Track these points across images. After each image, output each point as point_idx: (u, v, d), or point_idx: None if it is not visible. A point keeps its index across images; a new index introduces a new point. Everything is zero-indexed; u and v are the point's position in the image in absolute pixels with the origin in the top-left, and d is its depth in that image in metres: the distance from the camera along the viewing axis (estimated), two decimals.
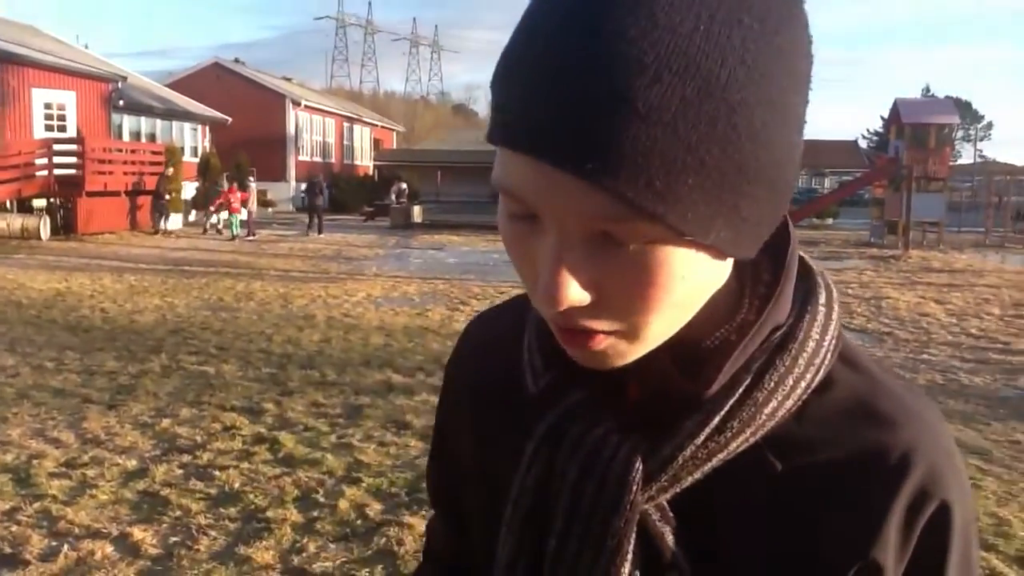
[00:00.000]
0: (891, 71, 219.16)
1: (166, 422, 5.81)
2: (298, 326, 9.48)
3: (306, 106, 38.89)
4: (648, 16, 0.46)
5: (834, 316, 0.63)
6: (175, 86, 34.28)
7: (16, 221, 19.01)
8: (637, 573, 0.59)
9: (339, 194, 36.57)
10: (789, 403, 0.60)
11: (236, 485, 4.70)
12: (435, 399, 0.95)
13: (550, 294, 0.52)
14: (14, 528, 4.11)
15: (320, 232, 23.12)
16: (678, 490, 0.60)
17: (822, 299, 0.63)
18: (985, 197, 28.70)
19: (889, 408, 0.61)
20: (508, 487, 0.66)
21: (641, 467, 0.58)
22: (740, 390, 0.58)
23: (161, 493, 4.58)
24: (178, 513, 4.33)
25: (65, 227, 19.98)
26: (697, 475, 0.59)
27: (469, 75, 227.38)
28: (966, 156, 75.19)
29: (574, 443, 0.61)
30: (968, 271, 16.56)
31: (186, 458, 5.14)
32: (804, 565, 0.59)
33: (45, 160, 19.80)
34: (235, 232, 21.58)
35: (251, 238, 21.31)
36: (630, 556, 0.59)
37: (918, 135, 23.50)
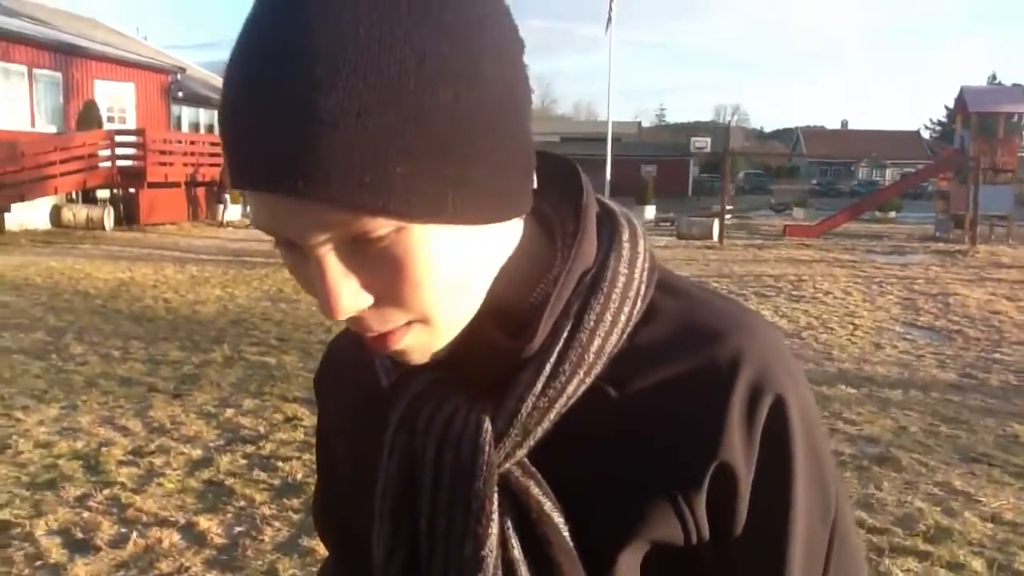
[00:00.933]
0: (955, 57, 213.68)
1: (229, 412, 5.88)
2: None
3: None
4: (321, 26, 0.49)
5: (640, 250, 0.66)
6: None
7: (82, 212, 19.51)
8: (511, 531, 0.61)
9: None
10: (614, 338, 0.62)
11: (299, 476, 4.73)
12: None
13: (328, 307, 0.55)
14: (85, 515, 4.19)
15: None
16: (532, 443, 0.62)
17: (625, 236, 0.66)
18: None
19: (711, 321, 0.64)
20: (360, 487, 0.71)
21: (490, 428, 0.61)
22: (564, 335, 0.61)
23: (226, 483, 4.63)
24: (242, 503, 4.37)
25: (127, 218, 20.45)
26: (546, 424, 0.61)
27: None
28: None
29: (427, 422, 0.63)
30: None
31: (249, 448, 5.19)
32: (663, 482, 0.61)
33: (108, 151, 20.26)
34: None
35: None
36: (495, 516, 0.60)
37: (985, 124, 22.84)
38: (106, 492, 4.46)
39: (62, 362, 7.16)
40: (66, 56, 22.03)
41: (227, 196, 22.53)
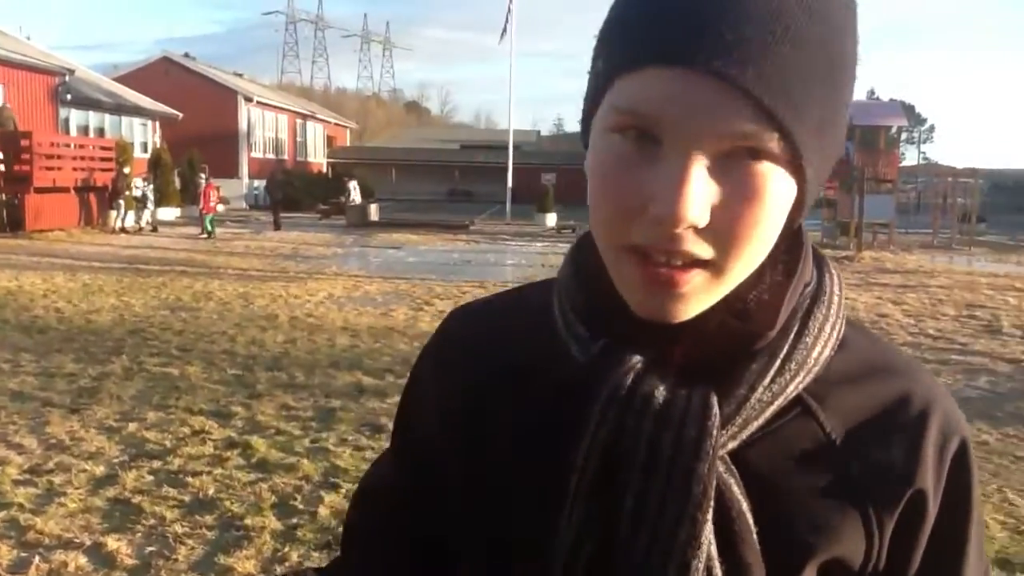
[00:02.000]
0: None
1: (132, 426, 5.66)
2: (261, 326, 9.32)
3: (258, 102, 38.30)
4: None
5: (841, 281, 0.70)
6: (122, 80, 33.40)
7: None
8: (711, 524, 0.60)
9: (293, 192, 36.17)
10: (828, 351, 0.65)
11: (211, 492, 4.59)
12: None
13: (675, 210, 0.55)
14: None
15: (277, 229, 22.82)
16: (744, 437, 0.62)
17: (832, 266, 0.70)
18: (931, 198, 29.36)
19: (900, 362, 0.69)
20: (531, 463, 0.65)
21: (718, 411, 0.60)
22: (792, 334, 0.63)
23: (133, 501, 4.45)
24: (152, 521, 4.21)
25: (12, 224, 19.39)
26: (761, 420, 0.62)
27: (422, 73, 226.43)
28: (910, 158, 76.97)
29: (644, 399, 0.61)
30: (920, 272, 16.90)
31: (156, 464, 5.01)
32: (860, 498, 0.63)
33: None
34: (210, 230, 21.07)
35: (204, 236, 20.91)
36: (712, 503, 0.59)
37: (867, 137, 23.95)
38: (2, 514, 4.23)
39: None
40: None
41: (121, 202, 21.63)
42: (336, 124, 51.52)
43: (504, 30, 30.81)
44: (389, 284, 13.13)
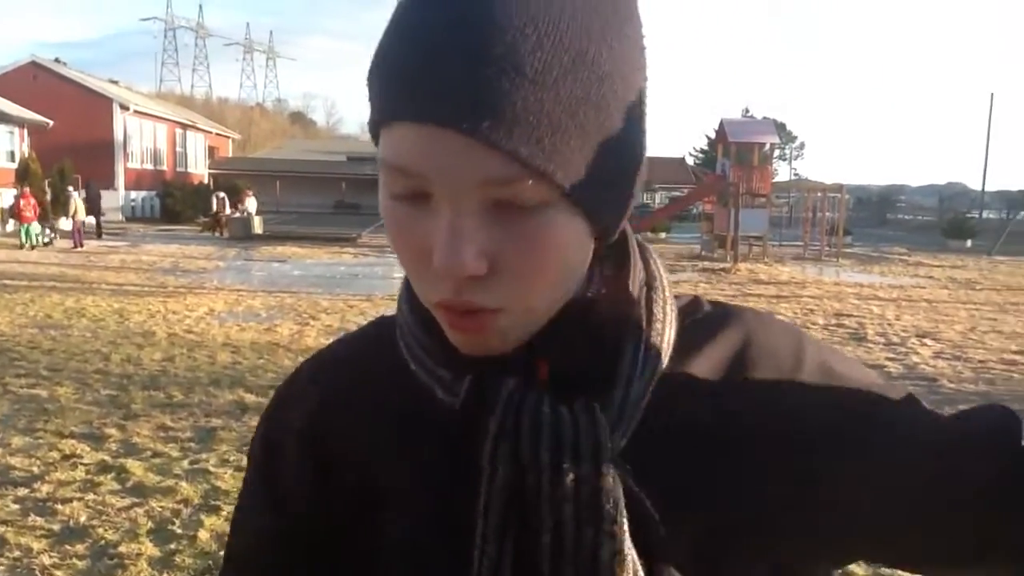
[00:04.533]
0: (713, 91, 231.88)
1: None
2: (137, 344, 8.97)
3: (135, 111, 36.92)
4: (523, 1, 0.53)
5: (660, 261, 0.71)
6: None
7: None
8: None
9: (173, 203, 34.94)
10: (674, 333, 0.66)
11: (82, 519, 4.40)
12: None
13: (449, 263, 0.54)
14: None
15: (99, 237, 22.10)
16: (631, 431, 0.62)
17: (650, 248, 0.71)
18: (802, 212, 30.73)
19: (749, 315, 0.71)
20: (431, 512, 0.64)
21: (605, 421, 0.60)
22: (644, 323, 0.64)
23: None
24: (17, 553, 4.01)
25: None
26: (638, 414, 0.62)
27: (307, 83, 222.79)
28: (783, 174, 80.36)
29: (532, 428, 0.60)
30: (792, 283, 17.67)
31: (22, 491, 4.76)
32: (747, 455, 0.64)
33: None
34: (33, 242, 20.31)
35: (79, 249, 20.00)
36: (625, 513, 0.59)
37: (743, 153, 24.93)
38: None
39: None
40: None
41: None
42: (218, 134, 50.13)
43: None
44: (273, 298, 12.86)
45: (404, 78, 0.54)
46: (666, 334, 0.65)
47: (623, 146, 0.58)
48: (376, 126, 0.57)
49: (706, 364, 0.67)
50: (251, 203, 29.18)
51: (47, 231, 21.99)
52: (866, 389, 0.67)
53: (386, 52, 0.56)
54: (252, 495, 0.76)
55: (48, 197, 24.85)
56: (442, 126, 0.52)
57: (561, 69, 0.52)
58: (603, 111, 0.55)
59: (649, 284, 0.67)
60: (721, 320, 0.70)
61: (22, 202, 20.67)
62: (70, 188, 22.74)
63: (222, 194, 28.96)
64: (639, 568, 0.59)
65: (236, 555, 0.76)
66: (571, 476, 0.58)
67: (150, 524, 4.37)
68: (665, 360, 0.64)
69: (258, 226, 26.99)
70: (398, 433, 0.69)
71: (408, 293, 0.69)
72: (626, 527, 0.58)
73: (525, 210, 0.55)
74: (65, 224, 22.33)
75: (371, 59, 0.58)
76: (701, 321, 0.70)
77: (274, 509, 0.73)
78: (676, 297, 0.71)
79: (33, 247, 20.10)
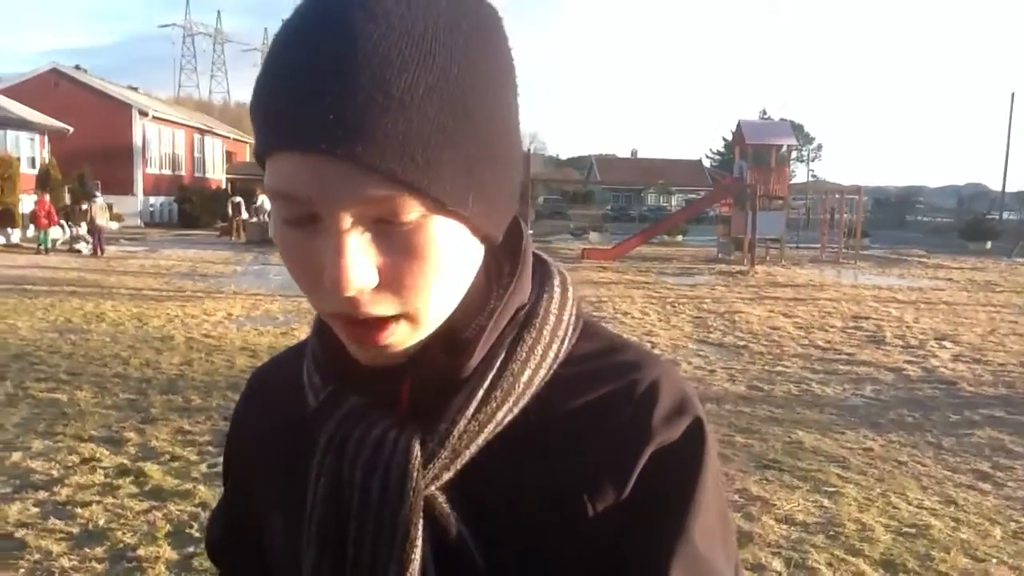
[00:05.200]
0: (730, 93, 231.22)
1: (16, 456, 5.41)
2: (156, 348, 9.03)
3: (154, 117, 37.15)
4: (386, 22, 0.55)
5: (569, 296, 0.72)
6: (6, 93, 31.92)
7: None
8: (430, 557, 0.63)
9: (191, 208, 35.12)
10: (542, 372, 0.67)
11: (101, 522, 4.43)
12: None
13: (338, 280, 0.57)
14: None
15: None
16: (458, 467, 0.64)
17: (556, 282, 0.72)
18: (819, 214, 30.57)
19: (631, 357, 0.71)
20: (290, 519, 0.71)
21: (420, 452, 0.63)
22: (497, 363, 0.65)
23: (16, 535, 4.25)
24: (37, 556, 4.04)
25: None
26: (473, 449, 0.64)
27: None
28: (800, 175, 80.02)
29: (356, 446, 0.64)
30: (809, 285, 17.60)
31: (42, 495, 4.80)
32: (581, 497, 0.65)
33: None
34: (46, 246, 20.55)
35: (99, 255, 20.16)
36: (419, 543, 0.63)
37: (760, 155, 24.85)
38: None
39: None
40: None
41: (14, 219, 20.78)
42: (236, 139, 50.34)
43: None
44: (290, 302, 12.90)
45: (284, 113, 0.56)
46: (522, 378, 0.66)
47: (497, 156, 0.61)
48: (261, 157, 0.60)
49: (559, 426, 0.67)
50: (268, 206, 29.23)
51: (70, 233, 22.21)
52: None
53: (267, 89, 0.58)
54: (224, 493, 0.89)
55: (69, 202, 25.08)
56: (322, 154, 0.55)
57: (427, 88, 0.55)
58: (472, 124, 0.58)
59: (526, 321, 0.68)
60: (604, 377, 0.69)
61: (43, 208, 20.89)
62: (96, 194, 22.89)
63: (237, 199, 29.05)
64: None
65: (209, 545, 0.91)
66: (376, 498, 0.63)
67: (168, 527, 4.39)
68: (516, 403, 0.65)
69: None
70: (280, 444, 0.75)
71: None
72: (416, 554, 0.62)
73: (408, 223, 0.58)
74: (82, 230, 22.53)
75: (251, 95, 0.60)
76: (580, 374, 0.69)
77: (229, 509, 0.88)
78: (590, 332, 0.72)
79: (47, 251, 20.28)
